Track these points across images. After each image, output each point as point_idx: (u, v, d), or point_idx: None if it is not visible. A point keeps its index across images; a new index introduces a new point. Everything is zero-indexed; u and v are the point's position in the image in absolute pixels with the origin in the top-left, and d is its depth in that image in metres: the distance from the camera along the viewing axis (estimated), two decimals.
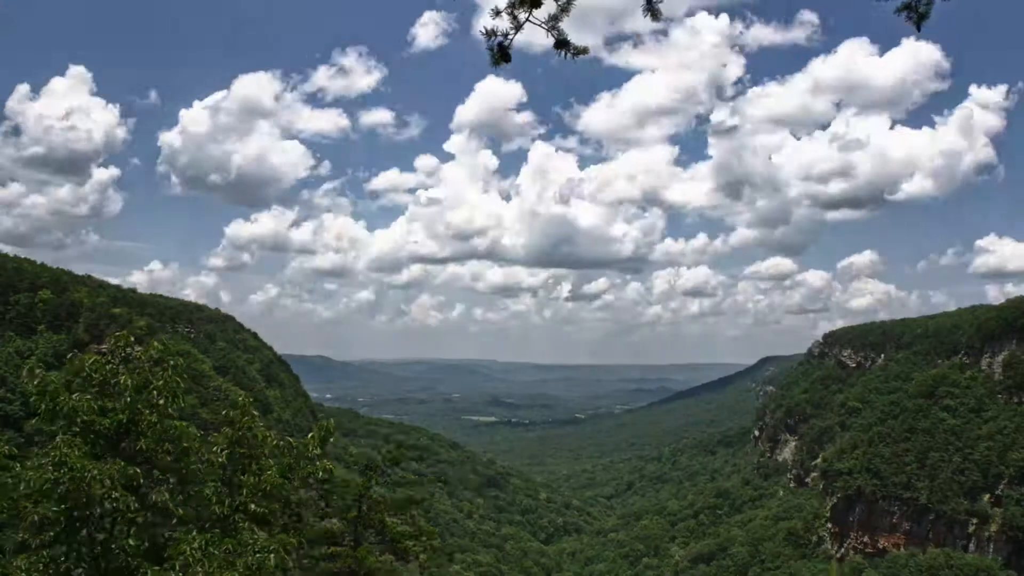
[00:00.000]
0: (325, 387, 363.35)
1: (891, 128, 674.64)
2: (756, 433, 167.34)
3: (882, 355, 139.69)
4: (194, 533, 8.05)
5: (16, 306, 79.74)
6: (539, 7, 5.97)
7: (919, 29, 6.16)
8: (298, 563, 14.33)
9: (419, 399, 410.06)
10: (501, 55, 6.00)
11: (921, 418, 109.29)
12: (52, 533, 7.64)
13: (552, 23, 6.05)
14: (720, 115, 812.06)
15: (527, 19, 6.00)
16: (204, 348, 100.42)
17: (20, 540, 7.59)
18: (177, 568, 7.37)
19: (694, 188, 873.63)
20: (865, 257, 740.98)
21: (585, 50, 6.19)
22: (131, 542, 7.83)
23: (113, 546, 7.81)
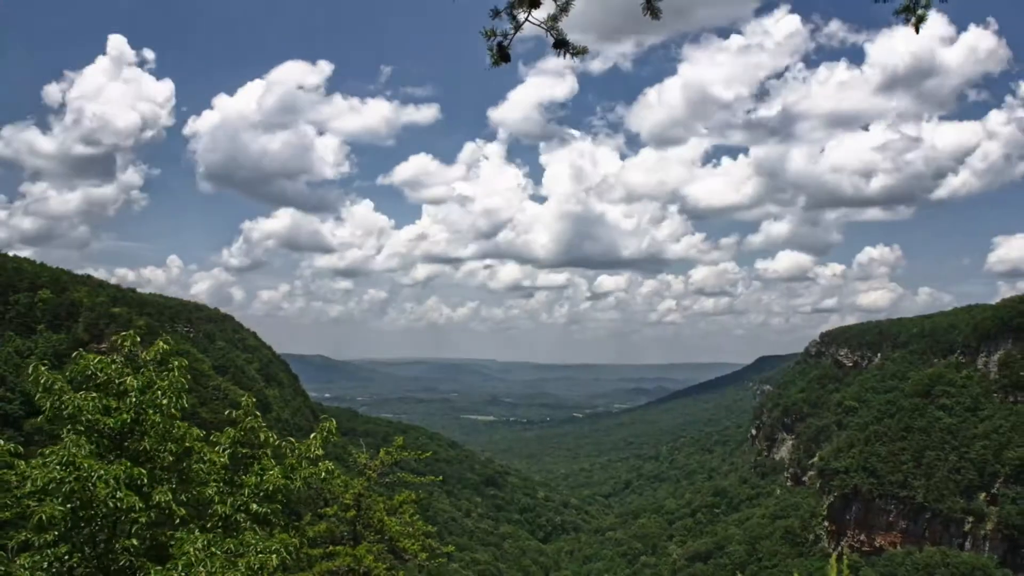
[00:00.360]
0: (324, 387, 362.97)
1: (940, 122, 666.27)
2: (753, 432, 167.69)
3: (879, 354, 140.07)
4: (197, 533, 8.06)
5: (16, 306, 79.56)
6: (538, 7, 5.97)
7: (917, 32, 6.18)
8: (298, 562, 14.34)
9: (418, 398, 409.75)
10: (501, 55, 6.00)
11: (917, 417, 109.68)
12: (55, 532, 7.64)
13: (551, 23, 6.04)
14: (764, 113, 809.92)
15: (526, 19, 6.00)
16: (203, 348, 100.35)
17: (24, 539, 7.59)
18: (180, 568, 7.36)
19: (728, 186, 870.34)
20: (891, 257, 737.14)
21: (584, 50, 6.18)
22: (134, 542, 7.83)
23: (116, 545, 7.82)
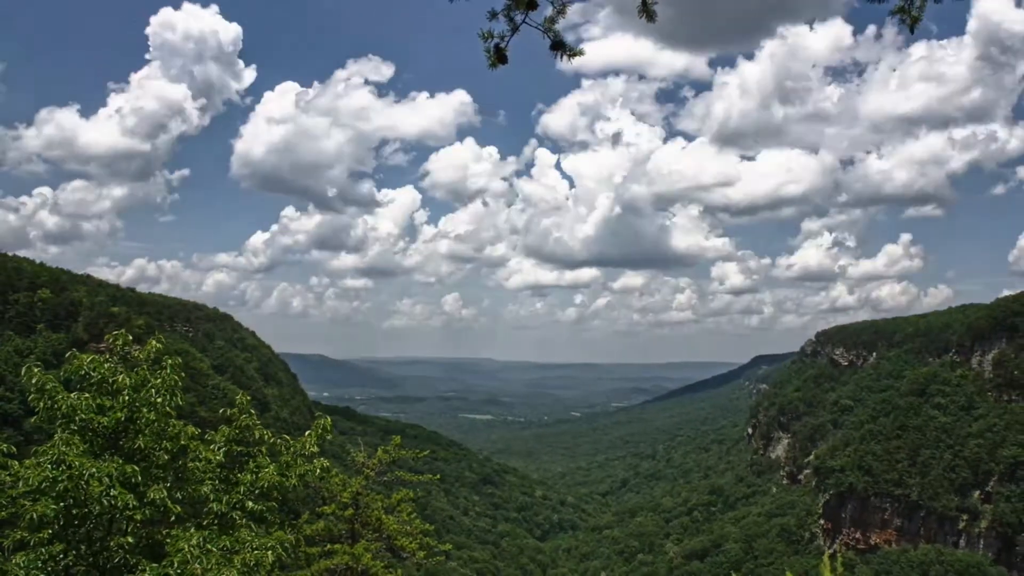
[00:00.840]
0: (323, 386, 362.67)
1: (1013, 126, 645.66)
2: (749, 431, 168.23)
3: (874, 353, 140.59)
4: (192, 530, 8.10)
5: (16, 305, 79.40)
6: (535, 9, 5.99)
7: (912, 32, 6.21)
8: (296, 560, 14.38)
9: (416, 397, 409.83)
10: (498, 57, 6.03)
11: (912, 416, 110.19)
12: (50, 531, 7.67)
13: (548, 25, 6.07)
14: (819, 109, 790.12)
15: (523, 21, 6.02)
16: (202, 347, 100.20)
17: (19, 538, 7.61)
18: (175, 565, 7.40)
19: (771, 184, 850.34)
20: (920, 255, 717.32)
21: (581, 52, 6.20)
22: (129, 540, 7.86)
23: (111, 543, 7.85)
